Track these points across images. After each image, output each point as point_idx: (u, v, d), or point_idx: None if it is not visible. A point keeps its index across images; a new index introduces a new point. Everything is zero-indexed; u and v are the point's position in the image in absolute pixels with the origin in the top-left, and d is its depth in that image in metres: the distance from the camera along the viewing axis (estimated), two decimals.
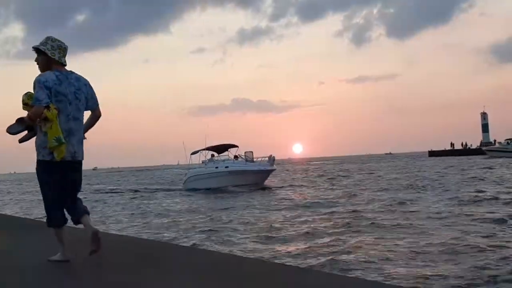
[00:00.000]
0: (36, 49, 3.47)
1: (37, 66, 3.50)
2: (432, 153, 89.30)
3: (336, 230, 10.51)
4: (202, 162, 30.66)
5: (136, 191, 31.09)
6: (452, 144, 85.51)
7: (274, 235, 10.24)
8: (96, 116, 3.74)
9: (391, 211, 13.39)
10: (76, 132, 3.47)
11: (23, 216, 13.02)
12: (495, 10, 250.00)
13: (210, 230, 11.42)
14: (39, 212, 15.73)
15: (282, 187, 27.86)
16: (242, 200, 19.42)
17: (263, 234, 10.43)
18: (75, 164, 3.50)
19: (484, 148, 72.07)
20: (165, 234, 11.24)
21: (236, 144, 30.58)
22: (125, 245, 4.59)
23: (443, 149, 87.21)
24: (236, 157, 29.52)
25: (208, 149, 30.43)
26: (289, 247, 8.87)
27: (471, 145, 75.92)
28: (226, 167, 27.81)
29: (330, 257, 7.59)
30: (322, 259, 7.49)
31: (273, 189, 26.53)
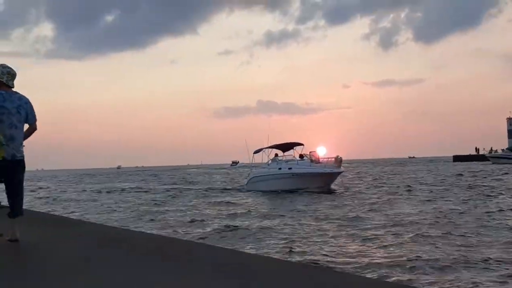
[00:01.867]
0: None
1: None
2: (457, 158, 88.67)
3: None
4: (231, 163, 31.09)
5: (206, 190, 29.81)
6: (477, 149, 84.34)
7: None
8: (32, 128, 4.67)
9: None
10: (16, 138, 4.41)
11: None
12: None
13: None
14: None
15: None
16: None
17: None
18: (15, 163, 4.44)
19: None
20: None
21: (301, 142, 28.52)
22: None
23: (468, 154, 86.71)
24: (301, 156, 27.29)
25: (272, 147, 28.73)
26: None
27: (495, 150, 75.19)
28: (290, 168, 25.70)
29: None
30: None
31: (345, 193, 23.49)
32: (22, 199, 4.61)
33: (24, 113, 4.48)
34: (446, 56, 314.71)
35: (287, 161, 27.71)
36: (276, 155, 28.90)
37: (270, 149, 28.98)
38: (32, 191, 32.88)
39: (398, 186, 26.69)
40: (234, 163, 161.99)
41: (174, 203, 21.13)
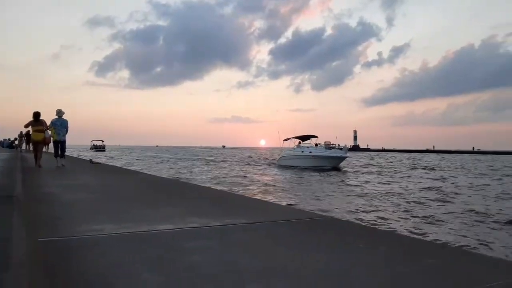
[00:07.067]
0: None
1: None
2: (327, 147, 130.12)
3: None
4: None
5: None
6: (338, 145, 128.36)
7: None
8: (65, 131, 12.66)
9: None
10: (60, 134, 12.65)
11: None
12: (366, 79, 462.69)
13: None
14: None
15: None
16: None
17: None
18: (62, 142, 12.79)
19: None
20: None
21: (316, 135, 39.10)
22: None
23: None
24: (316, 145, 37.49)
25: (296, 137, 38.89)
26: None
27: (345, 145, 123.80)
28: (310, 152, 34.57)
29: None
30: None
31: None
32: (64, 153, 12.64)
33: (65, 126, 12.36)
34: (327, 98, 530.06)
35: (307, 147, 36.97)
36: (299, 142, 38.78)
37: (294, 139, 39.08)
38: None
39: None
40: (223, 146, 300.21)
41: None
